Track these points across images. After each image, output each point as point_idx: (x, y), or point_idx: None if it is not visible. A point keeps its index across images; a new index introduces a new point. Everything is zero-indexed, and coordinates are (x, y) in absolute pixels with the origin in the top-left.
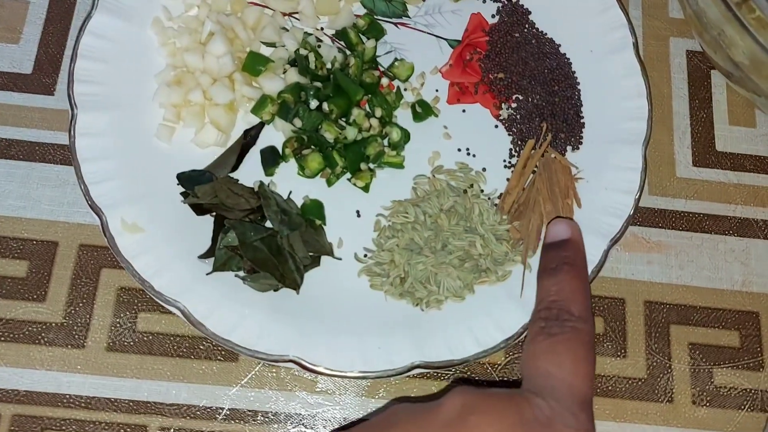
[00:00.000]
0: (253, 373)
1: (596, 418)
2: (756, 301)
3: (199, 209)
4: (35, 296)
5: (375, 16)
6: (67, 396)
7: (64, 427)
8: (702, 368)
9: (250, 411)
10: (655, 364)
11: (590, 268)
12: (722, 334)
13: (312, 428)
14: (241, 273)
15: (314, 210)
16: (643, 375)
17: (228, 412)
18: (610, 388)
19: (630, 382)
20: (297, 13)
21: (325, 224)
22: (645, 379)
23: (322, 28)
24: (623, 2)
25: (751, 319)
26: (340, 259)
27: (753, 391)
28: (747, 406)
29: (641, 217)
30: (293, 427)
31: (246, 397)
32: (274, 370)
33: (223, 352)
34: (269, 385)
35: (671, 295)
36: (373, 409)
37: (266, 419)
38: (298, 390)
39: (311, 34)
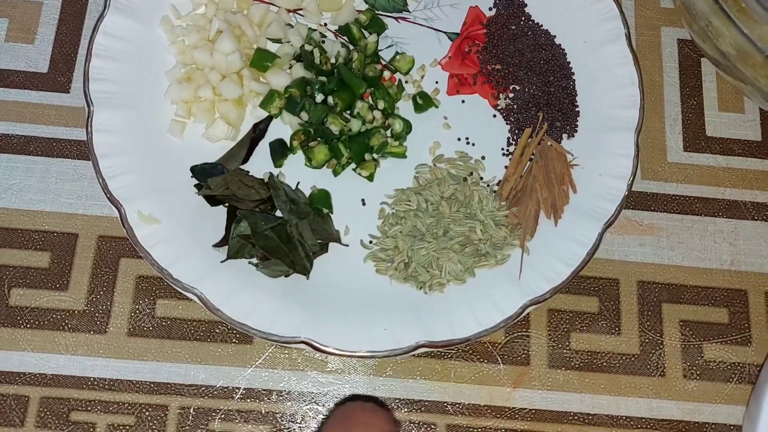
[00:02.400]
0: (266, 354)
1: (592, 392)
2: (744, 280)
3: (213, 200)
4: (58, 285)
5: (376, 11)
6: (92, 379)
7: (89, 408)
8: (692, 344)
9: (264, 390)
10: (647, 340)
11: (585, 251)
12: (711, 311)
13: (323, 405)
14: (254, 260)
15: (322, 199)
16: (636, 351)
17: (244, 392)
18: (604, 363)
19: (624, 358)
20: (301, 9)
21: (332, 213)
22: (638, 355)
23: (325, 24)
24: None
25: (739, 296)
26: (347, 245)
27: (740, 365)
28: (735, 379)
29: (634, 200)
30: (306, 405)
31: (260, 377)
32: (286, 352)
33: (238, 336)
34: (282, 365)
35: (663, 275)
36: (380, 387)
37: (280, 398)
38: (309, 370)
39: (315, 30)
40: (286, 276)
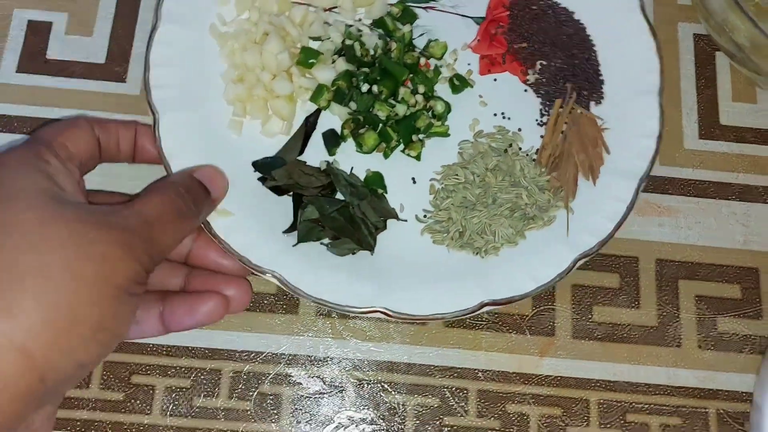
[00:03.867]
0: (311, 324)
1: (612, 360)
2: (756, 258)
3: (278, 190)
4: None
5: (406, 3)
6: (151, 345)
7: (149, 372)
8: (707, 317)
9: (309, 356)
10: (665, 314)
11: (624, 206)
12: (725, 287)
13: (362, 371)
14: (326, 240)
15: (376, 181)
16: (654, 323)
17: (290, 357)
18: (625, 335)
19: (643, 329)
20: (336, 7)
21: (386, 192)
22: (656, 327)
23: (360, 19)
24: None
25: (751, 274)
26: (406, 220)
27: (752, 337)
28: (747, 350)
29: (653, 184)
30: (347, 370)
31: (305, 345)
32: (329, 321)
33: (284, 306)
34: (325, 334)
35: (680, 253)
36: (416, 355)
37: (323, 363)
38: (350, 338)
39: (352, 26)
40: (353, 253)
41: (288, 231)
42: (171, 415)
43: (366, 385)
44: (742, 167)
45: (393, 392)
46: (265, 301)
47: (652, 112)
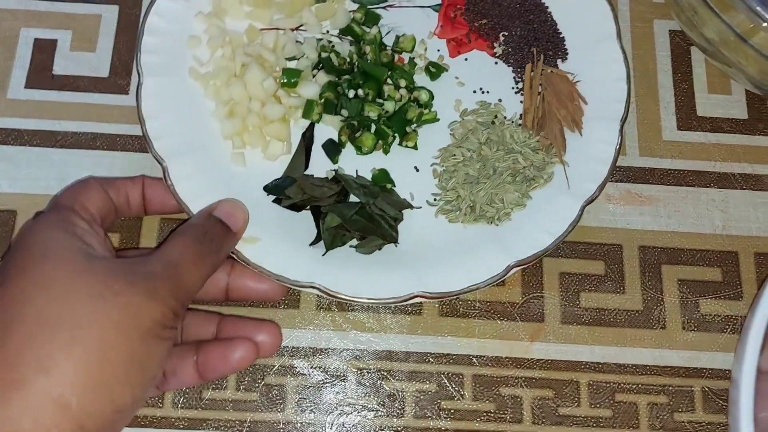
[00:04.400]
0: (312, 317)
1: (600, 344)
2: (735, 242)
3: (296, 207)
4: None
5: (367, 6)
6: None
7: None
8: (689, 300)
9: (311, 348)
10: (649, 298)
11: (613, 148)
12: (706, 270)
13: (362, 360)
14: (353, 243)
15: (383, 177)
16: (639, 307)
17: (293, 350)
18: (611, 319)
19: (628, 313)
20: (302, 25)
21: (394, 186)
22: (641, 311)
23: (327, 32)
24: None
25: (731, 257)
26: (420, 207)
27: (733, 317)
28: (729, 330)
29: (634, 175)
30: (347, 360)
31: (307, 337)
32: (329, 314)
33: (286, 301)
34: (326, 326)
35: (661, 240)
36: (413, 343)
37: (325, 354)
38: (350, 330)
39: (322, 39)
40: (380, 249)
41: (314, 242)
42: (182, 407)
43: (366, 374)
44: (719, 156)
45: (392, 379)
46: None
47: (615, 55)
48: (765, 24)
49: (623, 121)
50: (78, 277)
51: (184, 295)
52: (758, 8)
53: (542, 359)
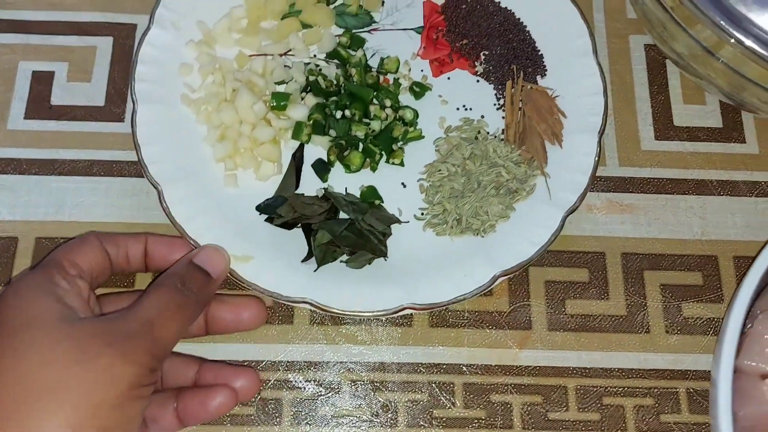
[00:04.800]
0: (306, 332)
1: (587, 349)
2: (714, 247)
3: (287, 225)
4: None
5: (352, 31)
6: None
7: None
8: (672, 304)
9: (305, 362)
10: (633, 303)
11: (592, 158)
12: (687, 275)
13: (355, 372)
14: (343, 258)
15: (371, 193)
16: (623, 313)
17: (288, 364)
18: (596, 325)
19: (613, 319)
20: (290, 50)
21: (383, 201)
22: (625, 316)
23: (315, 56)
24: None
25: (710, 261)
26: (408, 221)
27: (715, 320)
28: (711, 332)
29: (614, 185)
30: (340, 372)
31: (301, 352)
32: (323, 329)
33: (280, 317)
34: (319, 340)
35: (643, 246)
36: (404, 354)
37: (318, 367)
38: (342, 343)
39: (309, 63)
40: (370, 263)
41: (306, 259)
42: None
43: (359, 386)
44: (696, 164)
45: (385, 390)
46: None
47: (592, 70)
48: (732, 40)
49: (601, 133)
50: (57, 345)
51: (161, 351)
52: (722, 23)
53: (530, 366)
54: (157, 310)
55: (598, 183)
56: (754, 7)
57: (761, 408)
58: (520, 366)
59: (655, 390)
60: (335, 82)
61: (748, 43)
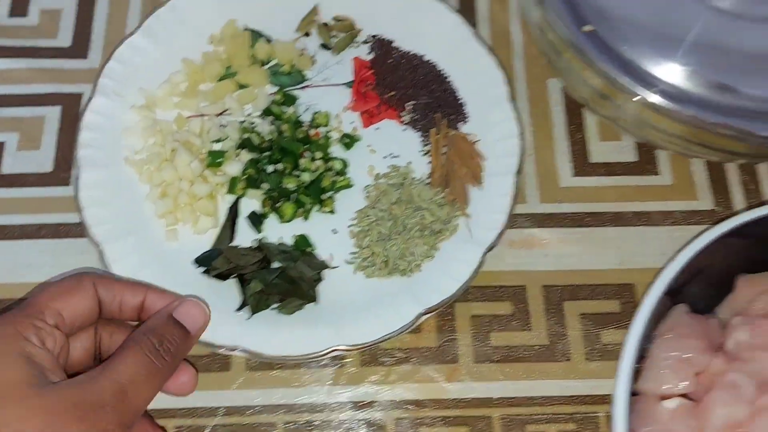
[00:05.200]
0: (242, 377)
1: (511, 378)
2: (631, 275)
3: (222, 276)
4: None
5: (285, 90)
6: None
7: None
8: (591, 332)
9: (243, 406)
10: (554, 333)
11: (508, 200)
12: (605, 303)
13: (289, 413)
14: (275, 305)
15: (303, 242)
16: (545, 342)
17: (225, 409)
18: (520, 355)
19: (535, 348)
20: (227, 110)
21: (315, 249)
22: (547, 345)
23: (250, 114)
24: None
25: (627, 289)
26: (337, 266)
27: None
28: None
29: (536, 221)
30: (276, 414)
31: (239, 397)
32: (259, 373)
33: (218, 364)
34: (255, 385)
35: (563, 278)
36: (338, 395)
37: (255, 411)
38: (278, 387)
39: (244, 121)
40: (301, 308)
41: (241, 308)
42: None
43: (293, 426)
44: (613, 196)
45: (317, 430)
46: (199, 363)
47: (509, 115)
48: (623, 92)
49: (517, 173)
50: (26, 422)
51: (131, 420)
52: (607, 71)
53: (458, 398)
54: (130, 375)
55: (520, 219)
56: (642, 58)
57: (659, 428)
58: (449, 399)
59: (577, 415)
60: (268, 138)
61: (638, 96)
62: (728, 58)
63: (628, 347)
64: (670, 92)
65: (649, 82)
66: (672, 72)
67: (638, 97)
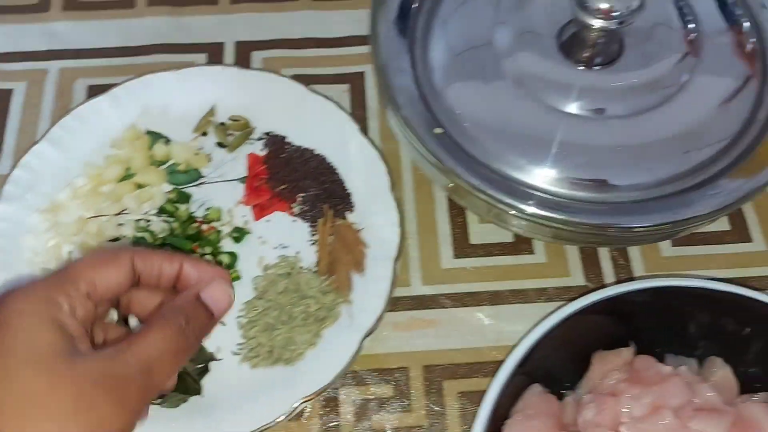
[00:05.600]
0: None
1: None
2: (507, 351)
3: None
4: None
5: (180, 188)
6: None
7: None
8: (468, 410)
9: None
10: (432, 412)
11: (388, 284)
12: (483, 381)
13: None
14: (158, 400)
15: None
16: (424, 423)
17: None
18: None
19: (414, 429)
20: (125, 209)
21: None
22: (426, 426)
23: (147, 212)
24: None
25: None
26: (221, 359)
27: None
28: None
29: (418, 303)
30: None
31: None
32: None
33: None
34: None
35: (442, 358)
36: None
37: None
38: None
39: (140, 219)
40: (185, 401)
41: None
42: None
43: None
44: (492, 276)
45: None
46: None
47: (390, 204)
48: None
49: (396, 258)
50: (54, 392)
51: (152, 396)
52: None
53: None
54: (157, 351)
55: (402, 302)
56: (507, 167)
57: None
58: None
59: None
60: (161, 236)
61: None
62: (590, 157)
63: (477, 425)
64: (544, 201)
65: (521, 194)
66: (540, 177)
67: (512, 211)
